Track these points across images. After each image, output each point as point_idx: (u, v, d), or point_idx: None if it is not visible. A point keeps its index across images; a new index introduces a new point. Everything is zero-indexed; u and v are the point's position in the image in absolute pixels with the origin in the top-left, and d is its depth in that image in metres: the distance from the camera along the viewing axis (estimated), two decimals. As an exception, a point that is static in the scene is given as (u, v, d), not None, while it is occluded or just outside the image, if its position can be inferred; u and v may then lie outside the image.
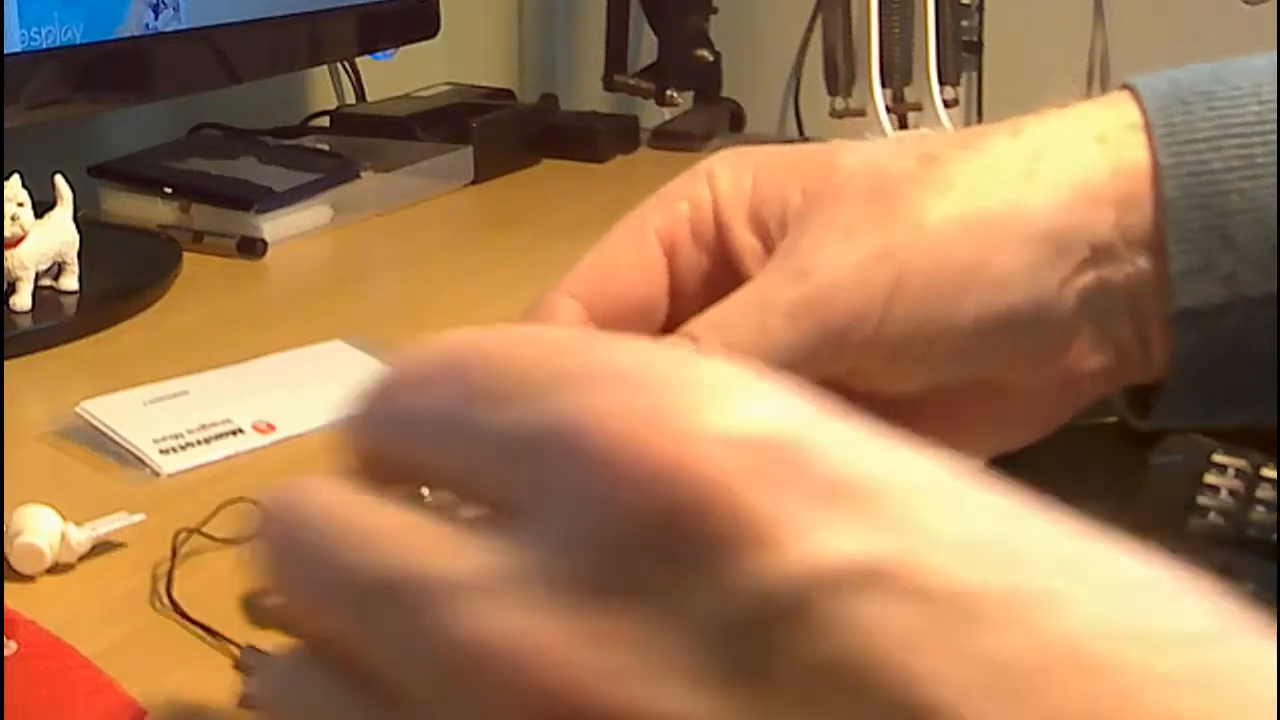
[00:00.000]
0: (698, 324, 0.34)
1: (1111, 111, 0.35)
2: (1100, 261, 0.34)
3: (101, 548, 0.42)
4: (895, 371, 0.34)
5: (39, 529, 0.40)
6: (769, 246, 0.36)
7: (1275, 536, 0.58)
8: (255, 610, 0.38)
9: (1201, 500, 0.61)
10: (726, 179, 0.36)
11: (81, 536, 0.41)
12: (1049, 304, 0.34)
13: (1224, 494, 0.62)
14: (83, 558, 0.41)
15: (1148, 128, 0.34)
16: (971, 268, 0.34)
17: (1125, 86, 0.36)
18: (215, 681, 0.36)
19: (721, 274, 0.36)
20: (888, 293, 0.34)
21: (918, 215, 0.34)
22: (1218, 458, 0.66)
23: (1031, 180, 0.34)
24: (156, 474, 0.48)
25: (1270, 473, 0.65)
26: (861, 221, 0.34)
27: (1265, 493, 0.63)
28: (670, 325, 0.38)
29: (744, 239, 0.36)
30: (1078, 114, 0.36)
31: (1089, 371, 0.35)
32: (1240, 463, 0.65)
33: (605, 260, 0.37)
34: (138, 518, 0.42)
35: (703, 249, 0.37)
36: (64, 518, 0.41)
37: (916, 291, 0.34)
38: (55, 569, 0.41)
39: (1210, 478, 0.64)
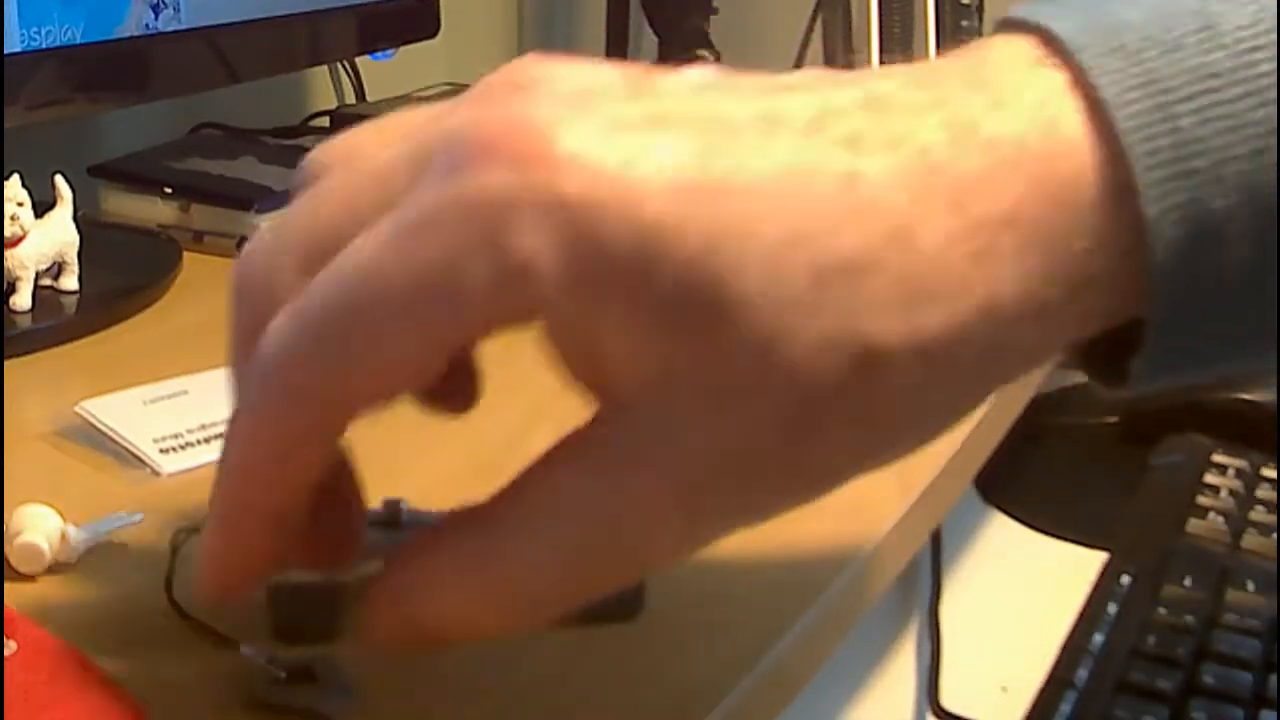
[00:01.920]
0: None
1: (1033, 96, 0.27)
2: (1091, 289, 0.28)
3: (101, 548, 0.42)
4: None
5: (39, 528, 0.40)
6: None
7: (1275, 536, 0.58)
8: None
9: (1201, 500, 0.61)
10: (565, 301, 0.27)
11: (81, 536, 0.41)
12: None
13: (1224, 494, 0.62)
14: (82, 557, 0.41)
15: (1096, 113, 0.27)
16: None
17: (1017, 24, 0.29)
18: (216, 681, 0.36)
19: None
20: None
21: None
22: (1218, 458, 0.66)
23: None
24: (156, 474, 0.48)
25: (1270, 473, 0.65)
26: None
27: (1265, 493, 0.63)
28: None
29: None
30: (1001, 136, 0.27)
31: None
32: (1240, 463, 0.65)
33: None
34: (137, 518, 0.42)
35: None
36: (64, 517, 0.41)
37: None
38: (55, 569, 0.41)
39: (1210, 478, 0.64)
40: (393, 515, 0.38)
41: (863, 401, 0.27)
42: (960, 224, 0.26)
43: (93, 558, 0.41)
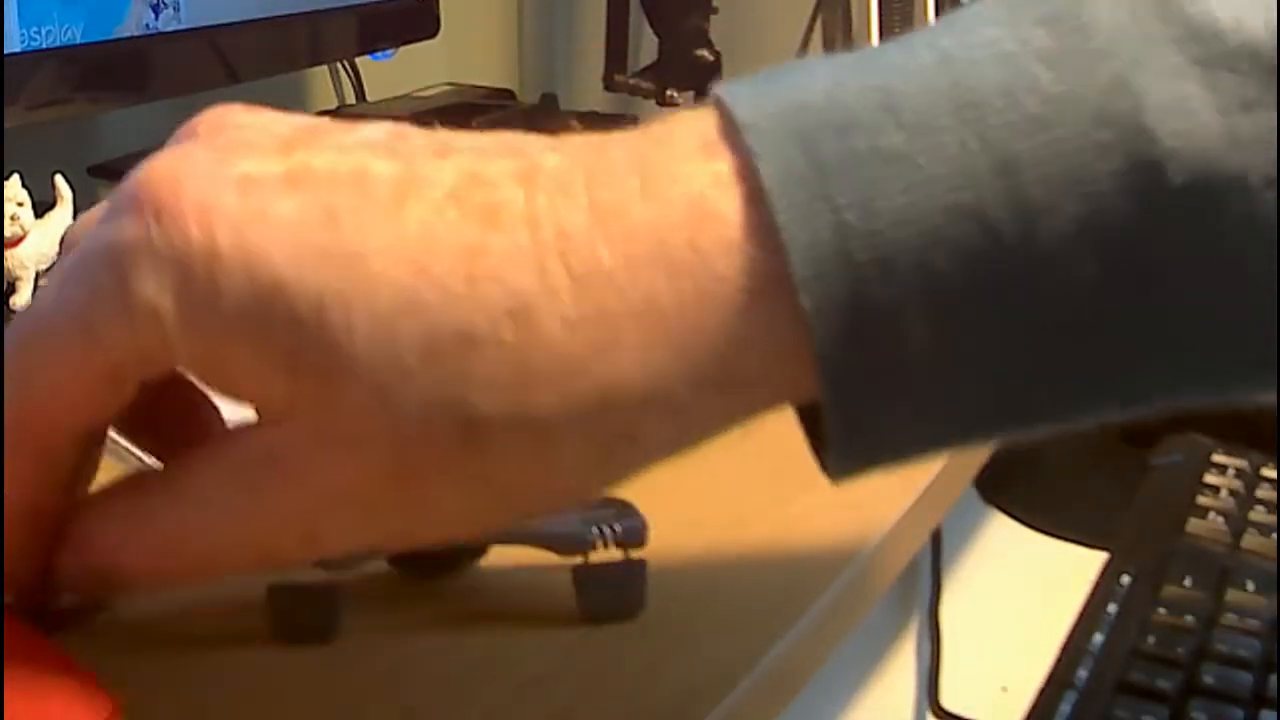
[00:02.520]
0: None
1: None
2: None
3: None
4: None
5: None
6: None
7: (1275, 536, 0.58)
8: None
9: (1201, 500, 0.61)
10: (187, 349, 0.28)
11: None
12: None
13: (1224, 494, 0.62)
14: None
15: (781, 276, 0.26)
16: None
17: (716, 98, 0.27)
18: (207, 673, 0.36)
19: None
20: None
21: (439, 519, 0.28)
22: (1218, 458, 0.66)
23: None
24: (156, 474, 0.47)
25: (1270, 473, 0.65)
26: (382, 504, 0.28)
27: (1265, 493, 0.63)
28: None
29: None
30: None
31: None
32: (1240, 463, 0.65)
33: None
34: None
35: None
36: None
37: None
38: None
39: (1210, 478, 0.64)
40: None
41: (469, 466, 0.27)
42: (583, 312, 0.26)
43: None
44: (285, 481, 0.28)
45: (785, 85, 0.27)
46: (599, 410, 0.26)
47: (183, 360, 0.28)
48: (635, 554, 0.39)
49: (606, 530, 0.39)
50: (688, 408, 0.27)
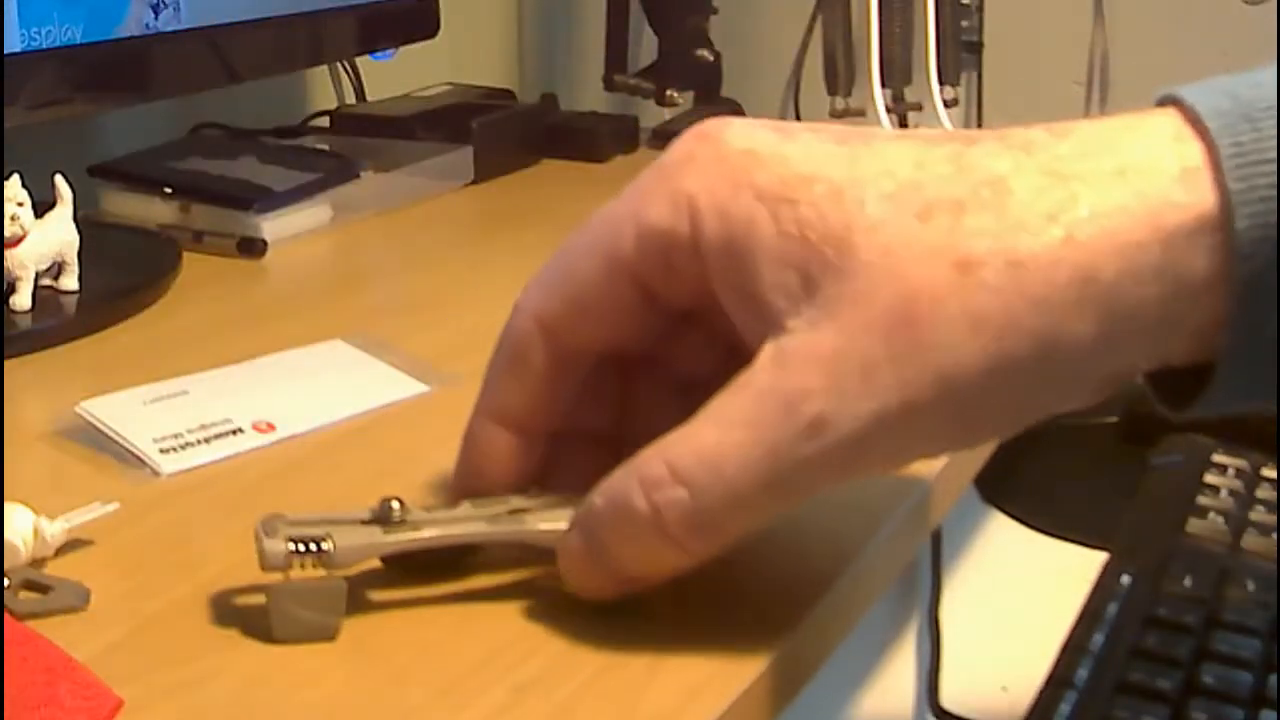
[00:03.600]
0: (687, 441, 0.35)
1: (1171, 150, 0.33)
2: (1163, 337, 0.33)
3: (83, 541, 0.42)
4: None
5: (10, 526, 0.40)
6: (754, 315, 0.35)
7: (1275, 536, 0.58)
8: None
9: (1201, 500, 0.61)
10: (713, 222, 0.35)
11: (56, 529, 0.41)
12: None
13: (1224, 494, 0.62)
14: (61, 550, 0.41)
15: (1214, 164, 0.32)
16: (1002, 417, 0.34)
17: (1171, 100, 0.34)
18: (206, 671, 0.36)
19: (694, 318, 0.38)
20: (895, 453, 0.35)
21: (950, 365, 0.32)
22: (1218, 458, 0.66)
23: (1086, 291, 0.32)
24: (156, 474, 0.48)
25: (1270, 473, 0.65)
26: (882, 361, 0.33)
27: (1265, 493, 0.63)
28: (637, 366, 0.40)
29: (730, 301, 0.35)
30: (1128, 148, 0.33)
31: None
32: (1240, 463, 0.65)
33: (576, 296, 0.37)
34: (111, 507, 0.42)
35: (679, 292, 0.36)
36: (37, 512, 0.41)
37: (931, 447, 0.36)
38: (35, 565, 0.40)
39: (1210, 478, 0.64)
40: (385, 514, 0.38)
41: (963, 300, 0.32)
42: (1045, 182, 0.33)
43: (71, 551, 0.42)
44: (784, 372, 0.33)
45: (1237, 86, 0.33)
46: (1063, 246, 0.32)
47: (708, 249, 0.34)
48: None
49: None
50: (1113, 288, 0.32)
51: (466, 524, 0.38)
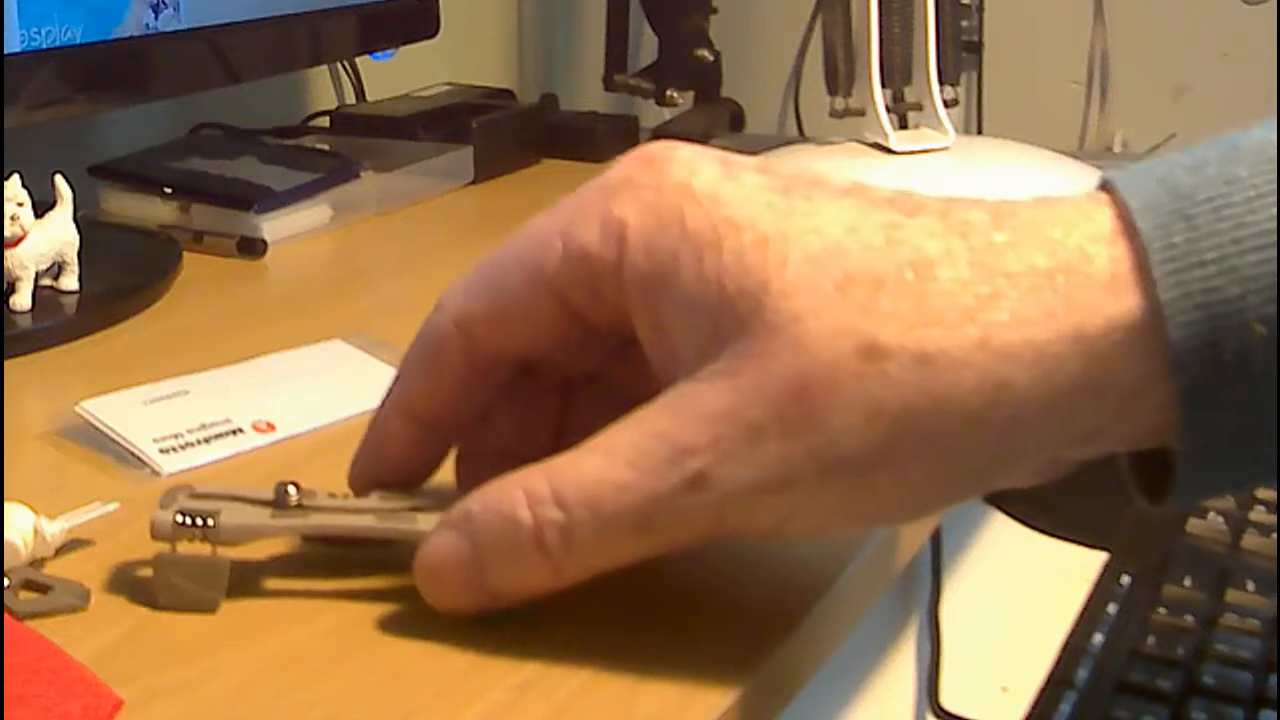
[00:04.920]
0: (573, 465, 0.34)
1: (1105, 251, 0.31)
2: (1088, 440, 0.32)
3: (83, 541, 0.42)
4: None
5: (10, 526, 0.40)
6: (664, 354, 0.35)
7: (1275, 536, 0.58)
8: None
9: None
10: (638, 255, 0.34)
11: (56, 529, 0.41)
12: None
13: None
14: (61, 550, 0.41)
15: (1143, 270, 0.30)
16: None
17: (1105, 188, 0.32)
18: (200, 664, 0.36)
19: (607, 339, 0.37)
20: (780, 521, 0.33)
21: (837, 451, 0.32)
22: (1218, 458, 0.66)
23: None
24: (156, 474, 0.48)
25: (1270, 473, 0.65)
26: (771, 432, 0.32)
27: (1265, 493, 0.63)
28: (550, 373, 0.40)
29: (645, 335, 0.35)
30: (1061, 245, 0.32)
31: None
32: (1240, 463, 0.65)
33: (498, 303, 0.37)
34: (111, 507, 0.42)
35: (602, 314, 0.36)
36: (37, 512, 0.41)
37: (822, 522, 0.34)
38: (35, 565, 0.40)
39: (1210, 478, 0.64)
40: (281, 498, 0.38)
41: (862, 385, 0.31)
42: (974, 274, 0.31)
43: (71, 550, 0.42)
44: (677, 422, 0.33)
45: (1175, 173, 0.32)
46: (979, 351, 0.31)
47: (630, 281, 0.34)
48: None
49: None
50: (1024, 396, 0.31)
51: (356, 516, 0.38)
